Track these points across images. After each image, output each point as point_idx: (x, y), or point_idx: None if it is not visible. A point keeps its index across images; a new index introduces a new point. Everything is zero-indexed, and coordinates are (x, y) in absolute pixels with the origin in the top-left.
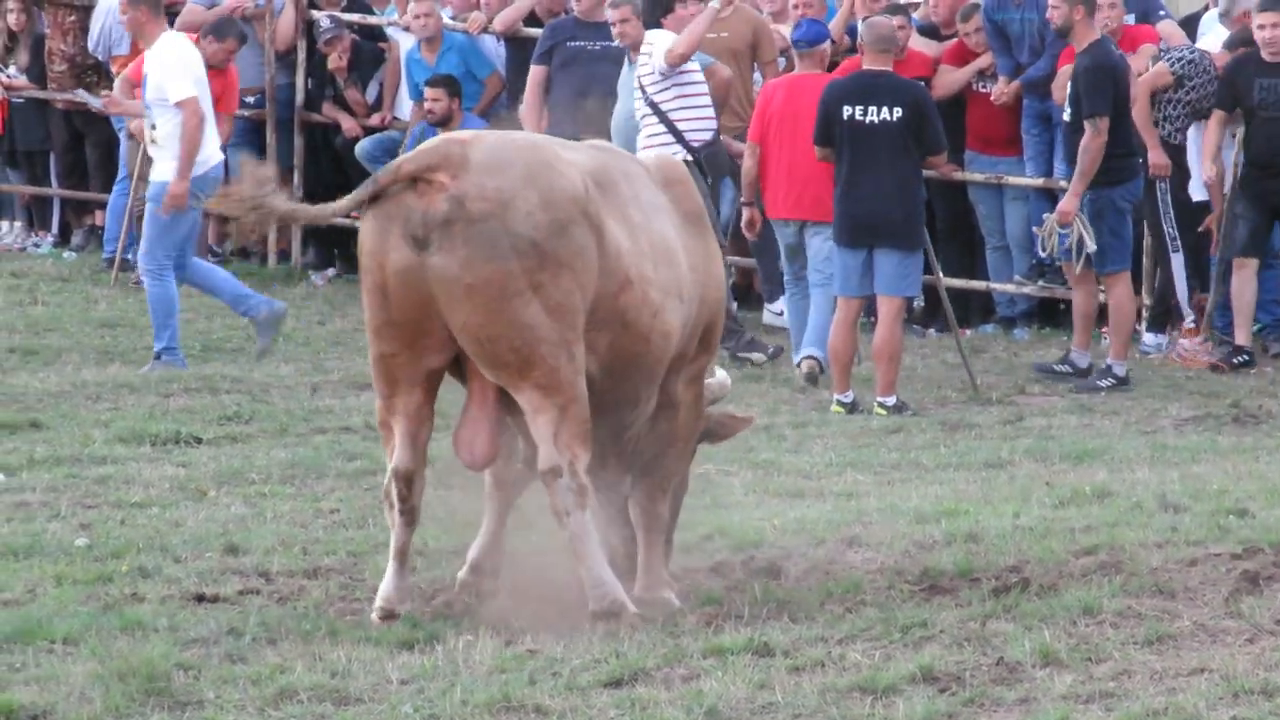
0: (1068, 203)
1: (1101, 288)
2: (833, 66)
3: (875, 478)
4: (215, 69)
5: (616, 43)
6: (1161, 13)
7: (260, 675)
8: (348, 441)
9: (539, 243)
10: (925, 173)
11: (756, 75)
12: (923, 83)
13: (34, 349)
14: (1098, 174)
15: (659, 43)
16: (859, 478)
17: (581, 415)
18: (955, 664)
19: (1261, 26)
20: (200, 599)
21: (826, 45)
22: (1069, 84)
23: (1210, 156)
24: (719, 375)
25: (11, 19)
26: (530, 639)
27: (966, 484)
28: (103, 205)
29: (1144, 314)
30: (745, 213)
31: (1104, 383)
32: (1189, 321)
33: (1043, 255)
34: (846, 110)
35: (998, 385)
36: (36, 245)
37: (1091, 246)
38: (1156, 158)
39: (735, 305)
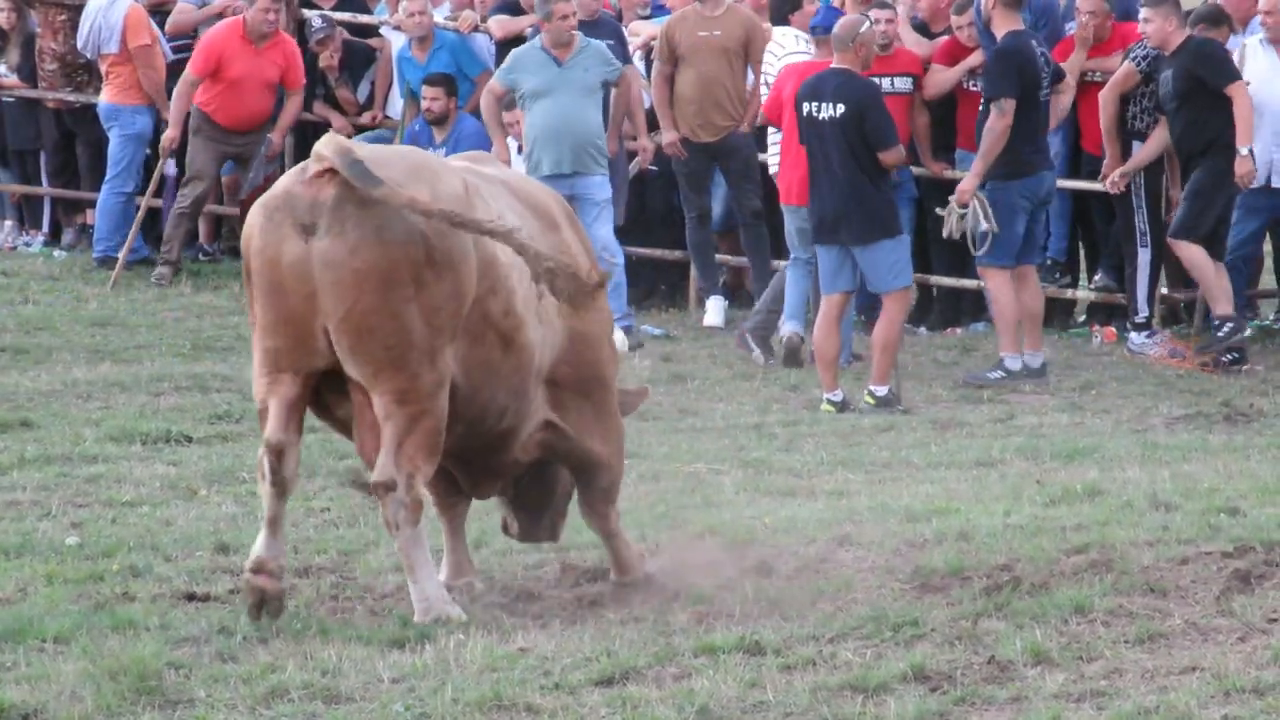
0: (967, 182)
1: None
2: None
3: (866, 476)
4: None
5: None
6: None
7: (251, 674)
8: (338, 440)
9: (428, 236)
10: (917, 170)
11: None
12: (910, 80)
13: (24, 348)
14: (997, 166)
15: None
16: (850, 476)
17: (432, 426)
18: (947, 663)
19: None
20: (191, 598)
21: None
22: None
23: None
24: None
25: (2, 18)
26: (521, 638)
27: (957, 482)
28: (93, 204)
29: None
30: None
31: (994, 375)
32: (1140, 317)
33: (944, 235)
34: (806, 107)
35: (988, 384)
36: (27, 244)
37: (986, 227)
38: (1109, 166)
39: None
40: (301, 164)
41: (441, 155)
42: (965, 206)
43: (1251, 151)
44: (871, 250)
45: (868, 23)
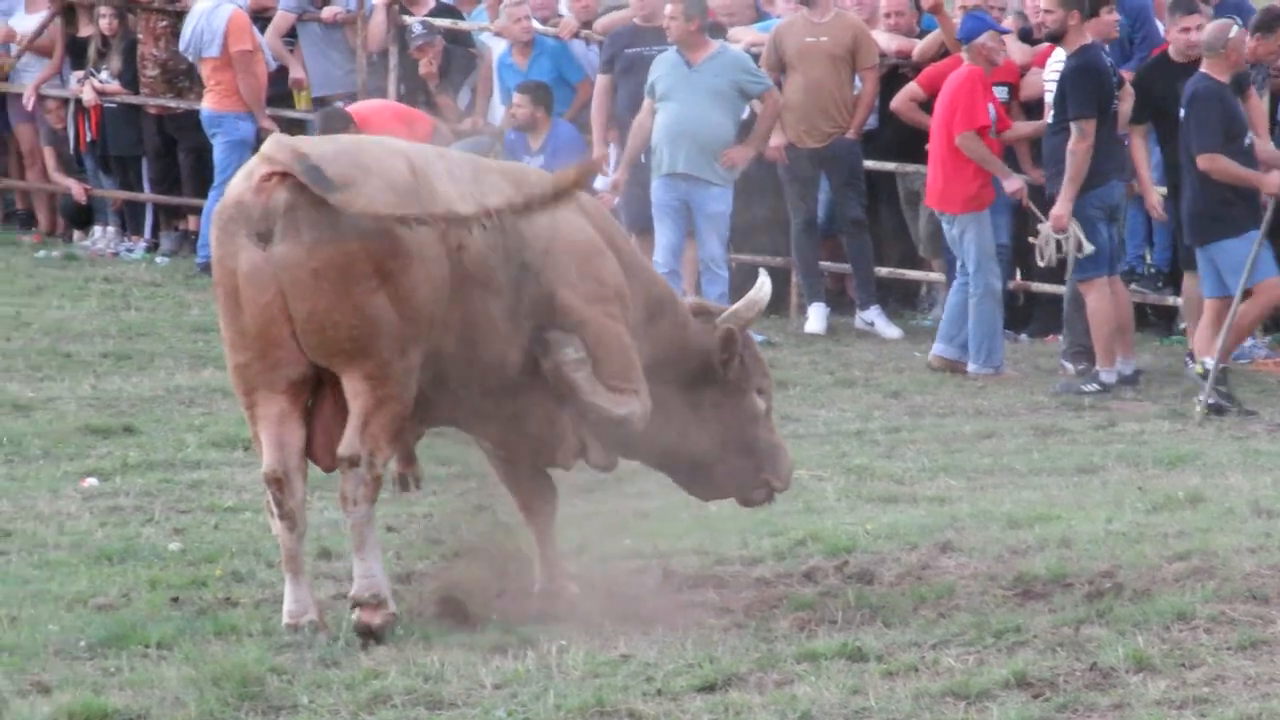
0: (1060, 208)
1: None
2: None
3: (968, 483)
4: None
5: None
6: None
7: (354, 679)
8: (441, 446)
9: (390, 229)
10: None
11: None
12: (1006, 89)
13: (127, 354)
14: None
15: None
16: (952, 483)
17: (398, 411)
18: (1048, 669)
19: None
20: None
21: (985, 38)
22: (1055, 86)
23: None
24: (753, 295)
25: (104, 24)
26: (623, 643)
27: (1059, 489)
28: (195, 210)
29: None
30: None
31: (1089, 387)
32: None
33: (1040, 264)
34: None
35: (1083, 394)
36: (129, 250)
37: (1090, 248)
38: (1010, 185)
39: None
40: (247, 167)
41: (537, 163)
42: (1062, 232)
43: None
44: (1210, 250)
45: (1236, 27)
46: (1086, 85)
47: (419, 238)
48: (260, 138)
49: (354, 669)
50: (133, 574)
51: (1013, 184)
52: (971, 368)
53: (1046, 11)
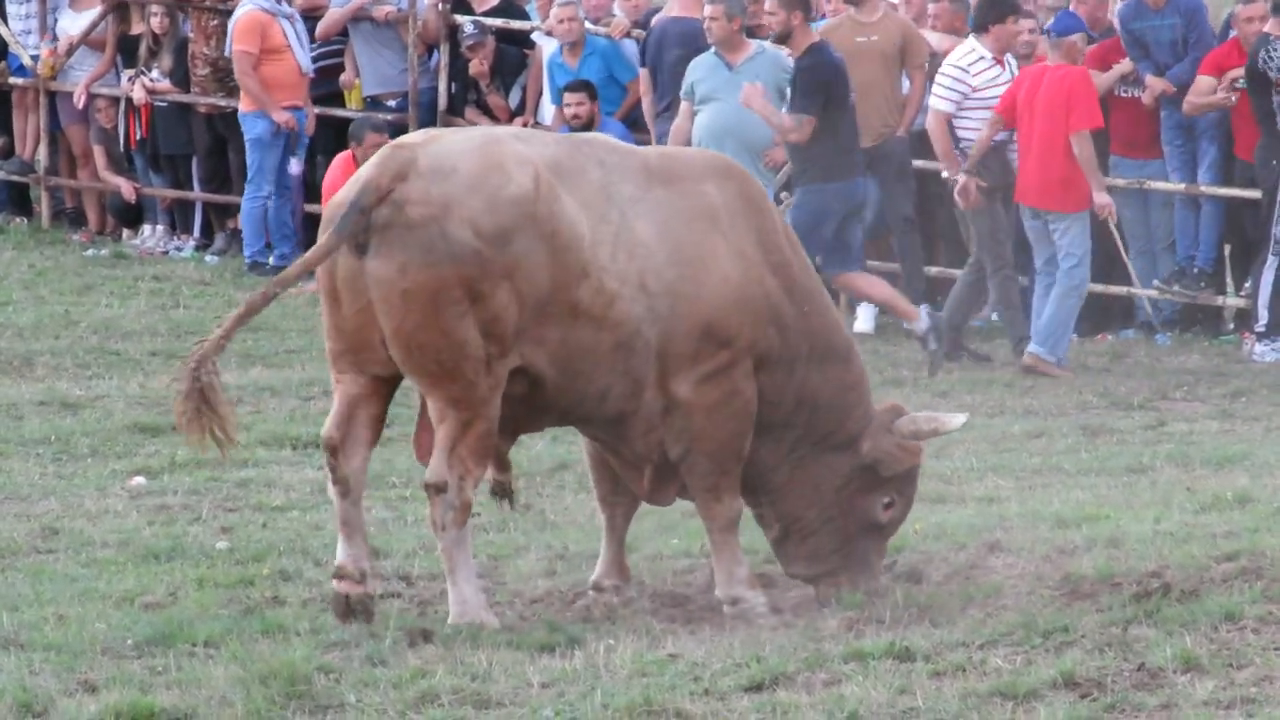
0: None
1: None
2: None
3: (1017, 482)
4: None
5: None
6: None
7: (401, 678)
8: None
9: (480, 251)
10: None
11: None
12: None
13: (176, 353)
14: (814, 171)
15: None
16: (1000, 482)
17: (485, 431)
18: (1096, 669)
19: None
20: None
21: (1077, 37)
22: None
23: None
24: (947, 417)
25: (155, 22)
26: (671, 643)
27: (1108, 489)
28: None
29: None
30: (960, 180)
31: (931, 345)
32: (1260, 325)
33: None
34: None
35: (1139, 390)
36: (179, 249)
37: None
38: (1100, 198)
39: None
40: (359, 171)
41: None
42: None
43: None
44: None
45: None
46: (814, 83)
47: (511, 258)
48: (287, 132)
49: (401, 668)
50: (180, 572)
51: (1102, 199)
52: (1033, 348)
53: (770, 14)
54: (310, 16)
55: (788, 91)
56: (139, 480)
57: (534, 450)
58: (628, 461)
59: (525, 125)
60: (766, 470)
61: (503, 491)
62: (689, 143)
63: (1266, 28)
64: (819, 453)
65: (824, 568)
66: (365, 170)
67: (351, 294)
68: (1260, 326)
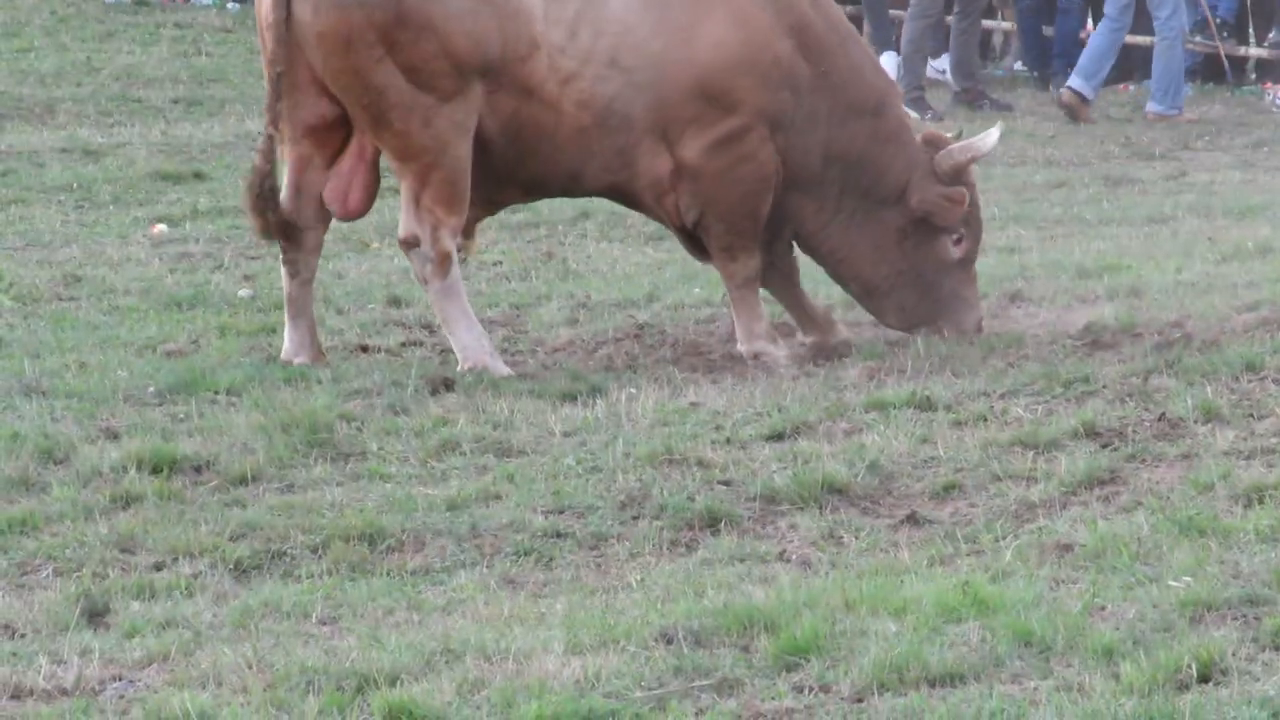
0: None
1: None
2: None
3: (1038, 232)
4: None
5: None
6: None
7: (423, 427)
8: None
9: (399, 1)
10: None
11: None
12: None
13: (198, 99)
14: None
15: None
16: (1021, 232)
17: (445, 179)
18: (1117, 419)
19: None
20: (364, 350)
21: None
22: None
23: None
24: (979, 140)
25: None
26: (693, 392)
27: (1129, 239)
28: None
29: None
30: None
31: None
32: None
33: None
34: None
35: (1161, 140)
36: None
37: None
38: None
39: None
40: None
41: None
42: None
43: None
44: None
45: None
46: None
47: (438, 13)
48: None
49: (423, 417)
50: (202, 320)
51: None
52: (1153, 107)
53: None
54: None
55: None
56: (161, 228)
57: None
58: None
59: None
60: (816, 232)
61: (468, 253)
62: None
63: None
64: (869, 210)
65: (916, 317)
66: None
67: (276, 37)
68: None
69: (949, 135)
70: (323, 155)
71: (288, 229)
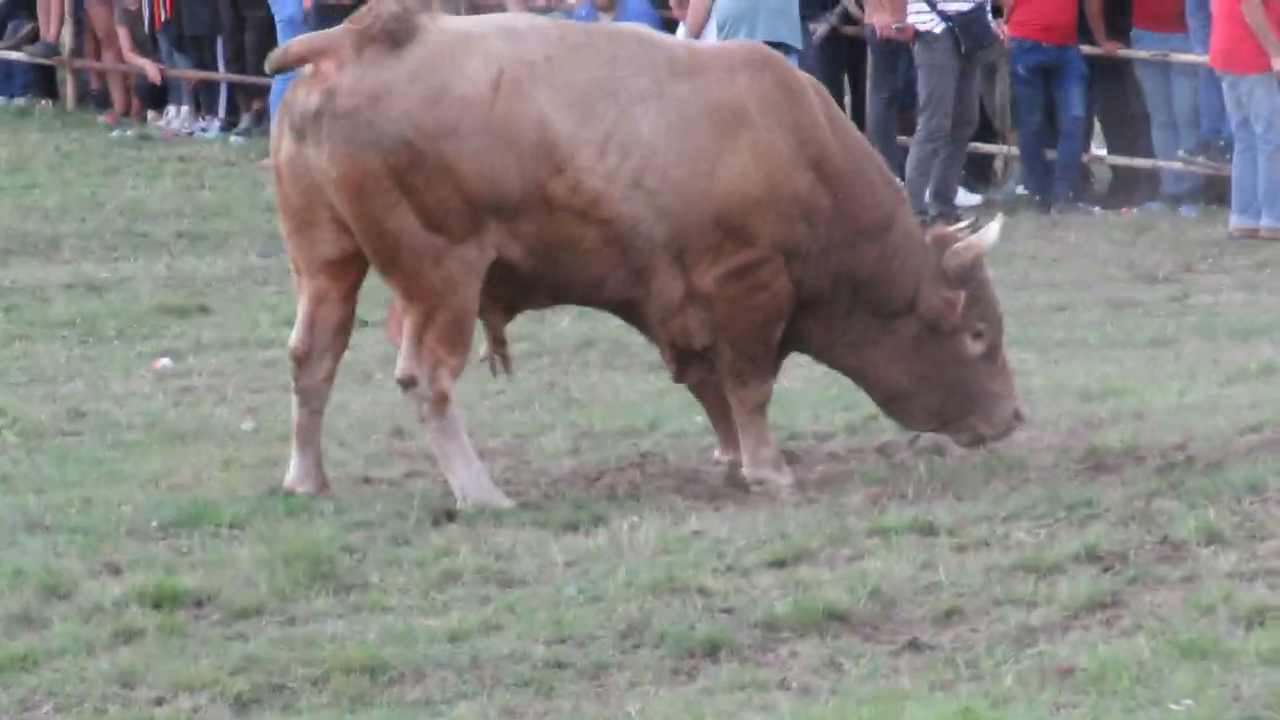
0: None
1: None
2: None
3: (1041, 356)
4: None
5: None
6: None
7: (425, 558)
8: (513, 323)
9: (413, 143)
10: (1086, 50)
11: None
12: None
13: (202, 234)
14: None
15: None
16: (1025, 356)
17: (452, 320)
18: (1120, 542)
19: None
20: (366, 481)
21: None
22: None
23: None
24: (979, 237)
25: None
26: (695, 520)
27: (1133, 362)
28: (268, 90)
29: None
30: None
31: None
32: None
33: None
34: None
35: (1164, 263)
36: (204, 130)
37: None
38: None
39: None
40: (286, 44)
41: None
42: None
43: None
44: None
45: None
46: None
47: (450, 152)
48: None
49: (425, 547)
50: (205, 454)
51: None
52: (1266, 223)
53: None
54: None
55: None
56: (165, 362)
57: (559, 327)
58: (653, 339)
59: (547, 4)
60: (824, 350)
61: (503, 364)
62: (707, 19)
63: None
64: (880, 323)
65: (946, 418)
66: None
67: (292, 174)
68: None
69: (958, 229)
70: (339, 289)
71: (300, 360)
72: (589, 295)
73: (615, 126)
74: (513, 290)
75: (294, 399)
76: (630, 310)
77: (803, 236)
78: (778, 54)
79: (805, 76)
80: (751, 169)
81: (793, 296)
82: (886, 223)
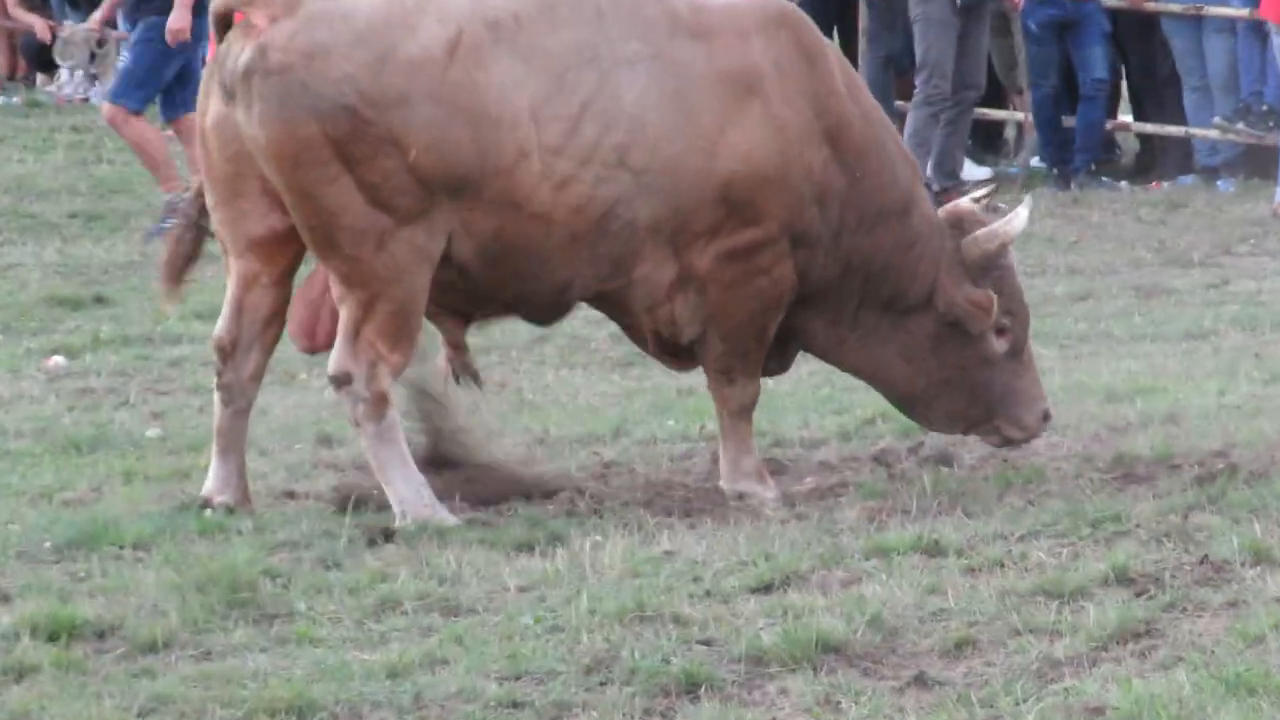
0: None
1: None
2: None
3: (1061, 351)
4: None
5: None
6: None
7: (359, 583)
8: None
9: (356, 109)
10: (1109, 3)
11: None
12: None
13: (99, 213)
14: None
15: None
16: (1043, 352)
17: (393, 312)
18: (1153, 563)
19: None
20: (290, 496)
21: None
22: None
23: None
24: (1005, 223)
25: None
26: (667, 539)
27: (1165, 358)
28: None
29: None
30: None
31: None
32: None
33: None
34: None
35: (1199, 245)
36: (100, 96)
37: None
38: None
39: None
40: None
41: None
42: None
43: None
44: None
45: None
46: None
47: (398, 123)
48: None
49: (359, 571)
50: (105, 465)
51: None
52: None
53: None
54: None
55: None
56: (57, 360)
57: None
58: (631, 330)
59: None
60: (830, 350)
61: (464, 371)
62: None
63: None
64: (893, 320)
65: (970, 421)
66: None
67: (220, 139)
68: None
69: (975, 202)
70: (271, 272)
71: (225, 351)
72: (553, 302)
73: (594, 95)
74: (464, 297)
75: (216, 396)
76: (607, 302)
77: (813, 219)
78: (794, 8)
79: (819, 36)
80: (761, 144)
81: (794, 286)
82: (905, 204)
